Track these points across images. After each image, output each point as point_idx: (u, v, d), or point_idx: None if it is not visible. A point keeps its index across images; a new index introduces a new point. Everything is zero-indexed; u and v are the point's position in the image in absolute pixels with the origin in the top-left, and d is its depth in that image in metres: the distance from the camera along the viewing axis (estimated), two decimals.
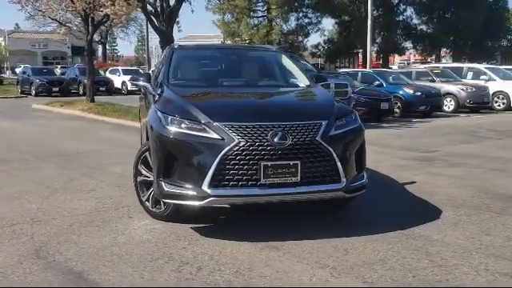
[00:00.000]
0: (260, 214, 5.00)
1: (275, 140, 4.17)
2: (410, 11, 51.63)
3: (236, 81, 5.92)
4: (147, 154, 4.91)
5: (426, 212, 5.17)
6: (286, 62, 6.21)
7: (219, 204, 4.29)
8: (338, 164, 4.35)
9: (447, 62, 41.50)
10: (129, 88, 30.85)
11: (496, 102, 19.80)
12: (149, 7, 13.94)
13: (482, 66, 22.46)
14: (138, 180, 5.09)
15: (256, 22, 42.26)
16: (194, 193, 4.22)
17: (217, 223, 4.84)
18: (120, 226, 4.76)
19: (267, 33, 40.46)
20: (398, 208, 5.38)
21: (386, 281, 3.47)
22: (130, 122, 14.26)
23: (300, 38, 43.12)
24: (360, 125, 4.70)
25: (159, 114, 4.57)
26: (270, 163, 4.14)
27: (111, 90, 29.18)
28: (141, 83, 5.73)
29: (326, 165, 4.31)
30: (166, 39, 14.21)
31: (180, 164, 4.32)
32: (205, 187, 4.17)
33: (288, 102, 4.88)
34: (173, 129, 4.36)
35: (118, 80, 31.60)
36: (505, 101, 19.63)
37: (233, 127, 4.21)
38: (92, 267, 3.76)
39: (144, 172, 5.01)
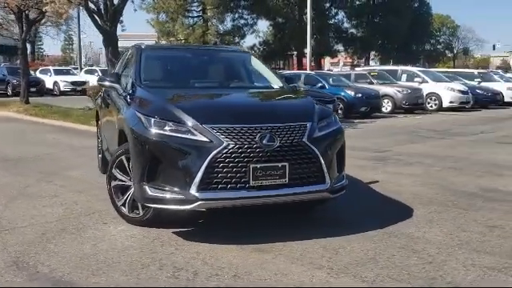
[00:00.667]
0: (239, 217, 4.97)
1: (264, 142, 4.16)
2: (341, 15, 53.03)
3: (210, 82, 5.86)
4: (123, 157, 4.77)
5: (399, 210, 5.33)
6: (256, 62, 6.21)
7: (207, 207, 4.21)
8: (323, 165, 4.40)
9: (375, 65, 43.03)
10: (61, 89, 29.84)
11: (429, 103, 20.74)
12: (91, 5, 13.47)
13: (415, 69, 23.48)
14: (112, 185, 4.92)
15: (192, 21, 41.95)
16: (182, 196, 4.13)
17: (197, 227, 4.76)
18: (97, 233, 4.58)
19: (203, 33, 40.29)
20: (371, 207, 5.51)
21: (384, 279, 3.54)
22: (73, 125, 13.80)
23: (237, 39, 43.19)
24: (340, 126, 4.78)
25: (139, 115, 4.44)
26: (259, 165, 4.13)
27: (42, 91, 27.97)
28: (107, 83, 5.53)
29: (311, 166, 4.35)
30: (110, 39, 13.83)
31: (165, 167, 4.22)
32: (193, 191, 4.09)
33: (272, 104, 4.87)
34: (156, 131, 4.25)
35: (49, 80, 30.39)
36: (437, 102, 20.61)
37: (220, 129, 4.16)
38: (82, 276, 3.59)
39: (119, 176, 4.85)
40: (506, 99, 23.77)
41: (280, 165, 4.19)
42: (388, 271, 3.68)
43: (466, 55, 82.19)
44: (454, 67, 62.10)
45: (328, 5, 51.35)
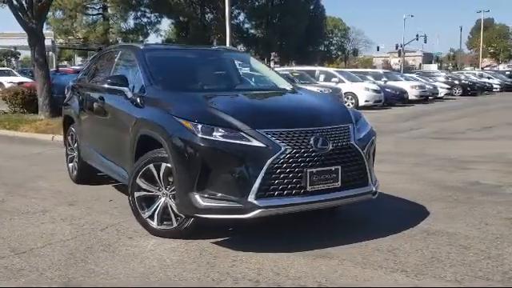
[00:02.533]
0: (267, 223, 4.80)
1: (318, 145, 4.09)
2: (242, 16, 53.66)
3: (223, 84, 5.66)
4: (151, 166, 4.46)
5: (411, 208, 5.49)
6: (255, 62, 6.09)
7: (266, 215, 4.04)
8: (367, 167, 4.42)
9: (275, 66, 44.00)
10: None
11: (346, 102, 21.55)
12: (15, 1, 12.42)
13: (332, 69, 24.32)
14: (136, 196, 4.59)
15: (92, 19, 40.18)
16: (240, 205, 3.94)
17: (234, 235, 4.56)
18: (132, 249, 4.24)
19: (105, 31, 38.77)
20: (380, 206, 5.55)
21: (464, 277, 3.62)
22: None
23: (141, 38, 42.07)
24: (372, 127, 4.82)
25: (180, 120, 4.16)
26: (315, 170, 4.05)
27: None
28: (113, 87, 5.11)
29: (358, 168, 4.35)
30: (37, 37, 12.85)
31: (218, 175, 4.00)
32: (251, 199, 3.92)
33: (314, 106, 4.76)
34: (207, 138, 4.01)
35: None
36: (353, 100, 21.50)
37: (275, 134, 4.02)
38: None
39: (144, 186, 4.54)
40: (411, 97, 25.36)
41: (333, 168, 4.15)
42: (460, 269, 3.76)
43: (356, 56, 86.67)
44: (345, 67, 65.25)
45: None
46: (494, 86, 39.32)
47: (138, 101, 4.86)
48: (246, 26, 54.48)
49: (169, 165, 4.33)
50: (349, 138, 4.31)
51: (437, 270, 3.74)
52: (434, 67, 74.91)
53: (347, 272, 3.72)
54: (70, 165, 6.93)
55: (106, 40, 38.99)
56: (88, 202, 5.82)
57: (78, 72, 16.40)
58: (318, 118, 4.39)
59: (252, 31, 57.72)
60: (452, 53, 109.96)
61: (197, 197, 4.01)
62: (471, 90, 34.40)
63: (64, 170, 7.36)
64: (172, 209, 4.40)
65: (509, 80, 44.03)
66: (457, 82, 34.97)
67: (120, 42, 40.39)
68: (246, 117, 4.15)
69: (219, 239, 4.42)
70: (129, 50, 5.76)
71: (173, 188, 4.37)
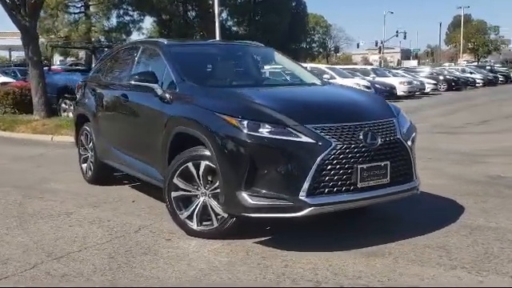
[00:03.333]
0: (303, 222, 4.65)
1: (368, 141, 3.98)
2: (225, 13, 53.41)
3: (254, 79, 5.52)
4: (189, 164, 4.31)
5: (445, 203, 5.42)
6: (280, 57, 5.97)
7: (318, 213, 3.91)
8: (412, 162, 4.33)
9: None
10: None
11: None
12: None
13: (323, 66, 24.30)
14: (173, 196, 4.44)
15: (74, 18, 39.52)
16: (290, 203, 3.81)
17: (275, 235, 4.41)
18: (174, 251, 4.08)
19: (88, 30, 38.18)
20: (413, 202, 5.46)
21: None
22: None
23: (124, 36, 41.54)
24: (411, 122, 4.72)
25: (224, 117, 4.02)
26: (365, 166, 3.94)
27: None
28: (144, 84, 4.92)
29: (405, 163, 4.26)
30: (30, 36, 12.53)
31: (266, 173, 3.86)
32: (302, 196, 3.79)
33: (358, 100, 4.63)
34: (254, 134, 3.87)
35: None
36: None
37: (324, 129, 3.90)
38: None
39: (182, 186, 4.39)
40: (399, 93, 25.47)
41: (383, 164, 4.05)
42: None
43: (337, 53, 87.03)
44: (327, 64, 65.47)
45: (211, 2, 51.36)
46: (477, 80, 39.74)
47: (170, 97, 4.70)
48: (229, 23, 54.27)
49: (209, 163, 4.19)
50: (395, 133, 4.22)
51: (497, 266, 3.66)
52: (413, 63, 75.55)
53: (407, 270, 3.62)
54: (84, 165, 6.71)
55: (88, 39, 38.37)
56: (111, 203, 5.63)
57: (69, 71, 16.16)
58: (364, 112, 4.28)
59: (235, 28, 57.53)
60: (429, 49, 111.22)
61: (245, 195, 3.87)
62: (456, 85, 34.77)
63: (72, 171, 7.20)
64: (212, 208, 4.26)
65: (491, 74, 44.63)
66: (441, 77, 35.25)
67: (103, 40, 39.89)
68: (291, 112, 4.02)
69: (261, 239, 4.29)
70: (152, 45, 5.57)
71: (213, 187, 4.23)
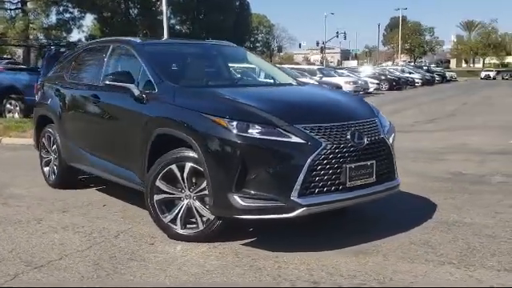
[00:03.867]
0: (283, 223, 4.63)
1: (355, 140, 4.03)
2: (168, 11, 52.74)
3: (231, 79, 5.45)
4: (173, 166, 4.22)
5: (416, 201, 5.56)
6: (253, 57, 5.95)
7: (309, 213, 3.90)
8: (394, 160, 4.42)
9: None
10: None
11: None
12: None
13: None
14: (156, 199, 4.33)
15: (10, 15, 37.82)
16: (282, 204, 3.79)
17: (260, 235, 4.38)
18: (162, 256, 3.98)
19: (26, 27, 36.66)
20: (384, 201, 5.55)
21: (511, 266, 3.69)
22: None
23: (64, 34, 40.19)
24: (390, 122, 4.81)
25: (211, 117, 3.95)
26: (353, 165, 3.99)
27: None
28: (118, 84, 4.75)
29: (388, 162, 4.34)
30: None
31: (257, 174, 3.82)
32: (294, 197, 3.78)
33: (341, 100, 4.64)
34: (244, 135, 3.82)
35: None
36: None
37: (313, 129, 3.91)
38: None
39: (165, 189, 4.29)
40: None
41: (369, 163, 4.10)
42: (502, 258, 3.81)
43: (280, 52, 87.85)
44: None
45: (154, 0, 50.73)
46: (416, 80, 41.22)
47: (148, 98, 4.58)
48: (172, 21, 53.64)
49: (194, 165, 4.12)
50: (379, 132, 4.29)
51: (482, 261, 3.79)
52: (353, 63, 77.49)
53: (398, 267, 3.68)
54: (46, 169, 6.44)
55: (26, 36, 36.95)
56: (81, 208, 5.43)
57: (13, 70, 15.46)
58: (349, 112, 4.33)
59: (178, 27, 57.02)
60: (367, 49, 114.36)
61: (235, 197, 3.82)
62: (397, 84, 35.90)
63: (30, 175, 6.97)
64: (198, 211, 4.19)
65: (428, 74, 46.37)
66: (383, 77, 36.29)
67: (42, 38, 38.50)
68: (279, 112, 4.01)
69: (247, 240, 4.26)
70: (124, 44, 5.41)
71: (198, 189, 4.17)
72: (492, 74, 68.61)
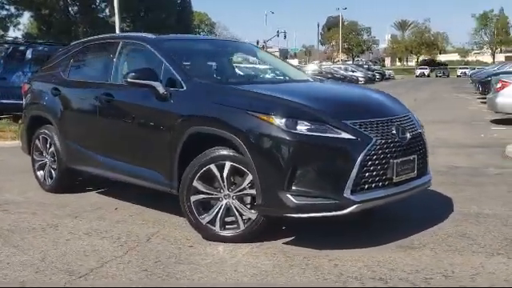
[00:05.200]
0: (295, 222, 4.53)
1: (400, 135, 4.06)
2: (109, 9, 51.43)
3: (258, 76, 5.35)
4: (212, 166, 4.09)
5: (426, 195, 5.60)
6: (264, 54, 5.89)
7: (361, 210, 3.87)
8: (427, 155, 4.48)
9: None
10: None
11: None
12: None
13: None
14: (193, 200, 4.18)
15: None
16: (336, 201, 3.75)
17: (298, 234, 4.31)
18: (208, 258, 3.84)
19: None
20: None
21: None
22: None
23: (1, 32, 38.29)
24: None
25: (259, 115, 3.85)
26: (399, 160, 4.00)
27: None
28: (143, 82, 4.53)
29: (424, 157, 4.39)
30: None
31: (308, 172, 3.77)
32: (347, 194, 3.75)
33: (374, 96, 4.63)
34: (294, 132, 3.75)
35: None
36: None
37: (362, 125, 3.89)
38: None
39: (203, 189, 4.16)
40: None
41: (411, 157, 4.14)
42: None
43: None
44: None
45: None
46: (360, 78, 42.28)
47: (175, 96, 4.42)
48: (113, 19, 52.27)
49: (234, 164, 4.01)
50: (416, 127, 4.34)
51: None
52: (295, 63, 78.49)
53: (453, 260, 3.71)
54: (40, 173, 6.09)
55: None
56: (92, 212, 5.18)
57: None
58: (388, 108, 4.35)
59: (121, 25, 55.59)
60: (304, 49, 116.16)
61: (288, 195, 3.74)
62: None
63: (18, 179, 6.66)
64: (238, 211, 4.08)
65: (369, 73, 47.70)
66: (330, 75, 36.94)
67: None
68: (326, 108, 3.97)
69: (285, 240, 4.19)
70: (137, 41, 5.20)
71: (239, 188, 4.06)
72: (426, 72, 71.53)
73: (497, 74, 18.47)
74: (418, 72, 71.41)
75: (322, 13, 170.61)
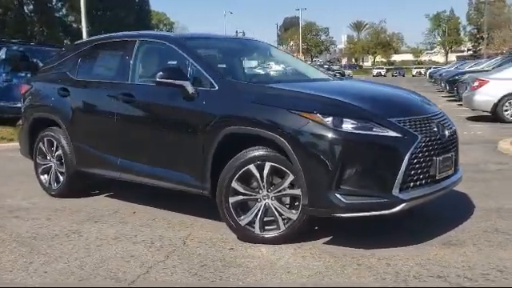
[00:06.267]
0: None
1: (440, 132, 4.09)
2: (65, 9, 50.40)
3: (285, 74, 5.28)
4: (251, 166, 4.02)
5: None
6: (278, 52, 5.84)
7: (407, 208, 3.86)
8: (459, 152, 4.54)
9: None
10: None
11: None
12: None
13: None
14: (231, 201, 4.09)
15: None
16: (386, 200, 3.73)
17: (332, 233, 4.27)
18: (254, 261, 3.75)
19: None
20: None
21: None
22: None
23: None
24: None
25: (304, 114, 3.80)
26: (441, 157, 4.03)
27: None
28: (175, 81, 4.38)
29: (457, 153, 4.43)
30: None
31: (356, 171, 3.73)
32: (395, 192, 3.74)
33: (408, 94, 4.64)
34: (341, 130, 3.71)
35: None
36: None
37: (406, 123, 3.89)
38: None
39: (242, 190, 4.08)
40: None
41: (450, 155, 4.18)
42: None
43: None
44: None
45: None
46: None
47: (206, 96, 4.31)
48: (70, 18, 51.20)
49: (275, 164, 3.95)
50: (451, 124, 4.38)
51: None
52: (254, 63, 78.52)
53: (499, 255, 3.75)
54: (45, 177, 5.84)
55: None
56: (111, 216, 5.00)
57: None
58: (426, 105, 4.39)
59: (75, 25, 54.49)
60: None
61: (337, 195, 3.70)
62: None
63: (13, 185, 6.47)
64: (279, 211, 4.02)
65: (330, 73, 48.18)
66: None
67: None
68: (369, 106, 3.95)
69: (324, 240, 4.16)
70: (157, 39, 5.04)
71: (278, 189, 4.00)
72: (383, 72, 73.08)
73: (464, 73, 19.07)
74: (375, 72, 72.85)
75: (281, 13, 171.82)
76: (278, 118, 3.89)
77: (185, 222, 4.71)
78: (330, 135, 3.71)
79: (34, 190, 6.01)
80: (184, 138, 4.44)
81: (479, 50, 75.16)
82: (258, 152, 4.02)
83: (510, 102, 12.04)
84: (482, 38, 73.37)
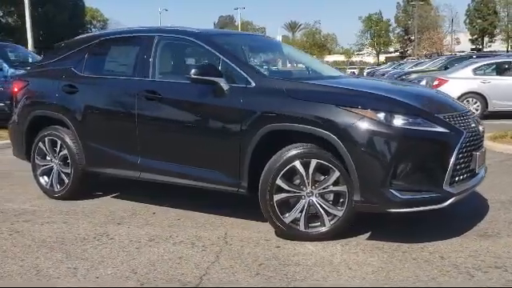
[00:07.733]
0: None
1: (478, 128, 4.22)
2: None
3: (312, 71, 5.24)
4: (296, 163, 3.99)
5: None
6: (289, 48, 5.82)
7: (455, 202, 3.94)
8: None
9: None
10: None
11: None
12: None
13: None
14: (276, 199, 4.05)
15: None
16: (438, 194, 3.80)
17: (366, 228, 4.29)
18: (309, 259, 3.71)
19: None
20: None
21: None
22: None
23: None
24: None
25: (356, 110, 3.80)
26: (479, 152, 4.16)
27: None
28: (213, 78, 4.28)
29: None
30: None
31: (408, 166, 3.77)
32: (446, 186, 3.82)
33: (437, 92, 4.76)
34: (393, 126, 3.74)
35: None
36: None
37: (451, 119, 3.98)
38: None
39: (286, 187, 4.04)
40: None
41: (483, 150, 4.32)
42: None
43: None
44: None
45: None
46: None
47: (242, 93, 4.23)
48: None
49: (320, 161, 3.94)
50: (479, 121, 4.53)
51: None
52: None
53: None
54: (45, 179, 5.51)
55: None
56: (132, 218, 4.80)
57: None
58: (457, 103, 4.51)
59: (4, 20, 52.11)
60: None
61: (392, 191, 3.73)
62: None
63: (5, 188, 6.10)
64: (324, 208, 4.01)
65: None
66: None
67: None
68: (415, 103, 4.01)
69: (366, 235, 4.19)
70: (180, 35, 4.85)
71: (323, 186, 4.00)
72: None
73: (410, 73, 19.81)
74: None
75: (218, 12, 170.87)
76: (326, 114, 3.87)
77: (213, 222, 4.61)
78: (383, 131, 3.73)
79: (30, 192, 5.71)
80: (218, 136, 4.33)
81: (406, 51, 78.09)
82: (303, 148, 3.99)
83: (467, 100, 12.60)
84: (409, 39, 76.35)
